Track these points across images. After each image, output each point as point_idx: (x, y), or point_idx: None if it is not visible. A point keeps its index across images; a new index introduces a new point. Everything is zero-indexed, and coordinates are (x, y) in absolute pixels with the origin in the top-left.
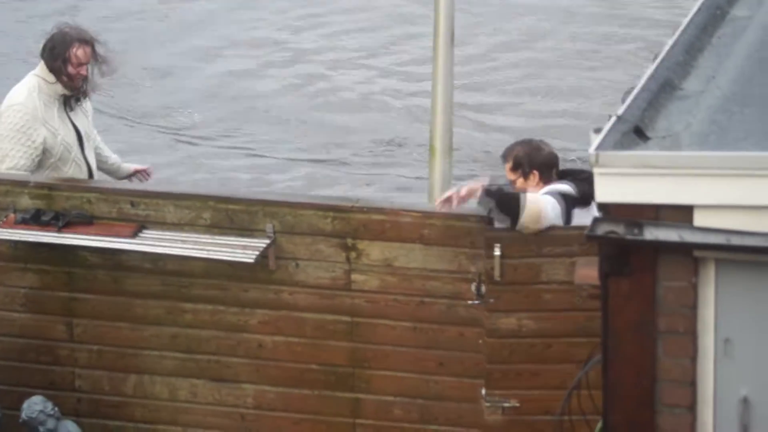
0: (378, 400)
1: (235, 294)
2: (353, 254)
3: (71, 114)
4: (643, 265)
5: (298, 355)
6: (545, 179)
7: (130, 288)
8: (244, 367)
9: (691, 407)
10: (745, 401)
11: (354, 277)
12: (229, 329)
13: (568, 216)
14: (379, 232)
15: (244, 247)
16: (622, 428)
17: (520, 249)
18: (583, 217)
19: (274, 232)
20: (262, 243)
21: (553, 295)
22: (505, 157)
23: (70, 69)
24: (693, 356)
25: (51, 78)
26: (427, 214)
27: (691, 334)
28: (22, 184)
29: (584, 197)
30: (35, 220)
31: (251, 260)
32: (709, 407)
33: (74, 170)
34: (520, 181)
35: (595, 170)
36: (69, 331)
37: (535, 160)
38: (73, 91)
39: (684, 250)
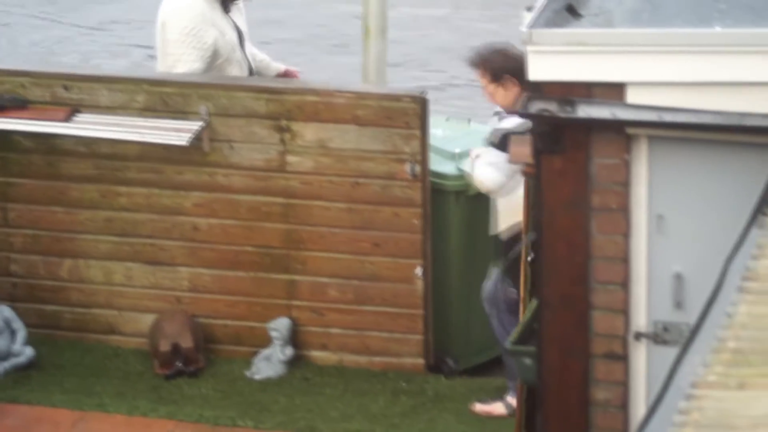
0: (313, 281)
1: (170, 177)
2: (287, 136)
3: (232, 13)
4: (576, 142)
5: (232, 237)
6: (524, 84)
7: (65, 172)
8: (179, 250)
9: (625, 284)
10: (678, 277)
11: (288, 158)
12: (163, 212)
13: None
14: (313, 113)
15: (178, 130)
16: (556, 304)
17: None
18: None
19: (208, 115)
20: (195, 125)
21: None
22: (477, 66)
23: None
24: (626, 233)
25: None
26: (361, 95)
27: (624, 211)
28: None
29: None
30: None
31: (185, 142)
32: (643, 283)
33: (237, 71)
34: (500, 93)
35: (528, 48)
36: (3, 215)
37: (512, 67)
38: None
39: (616, 127)
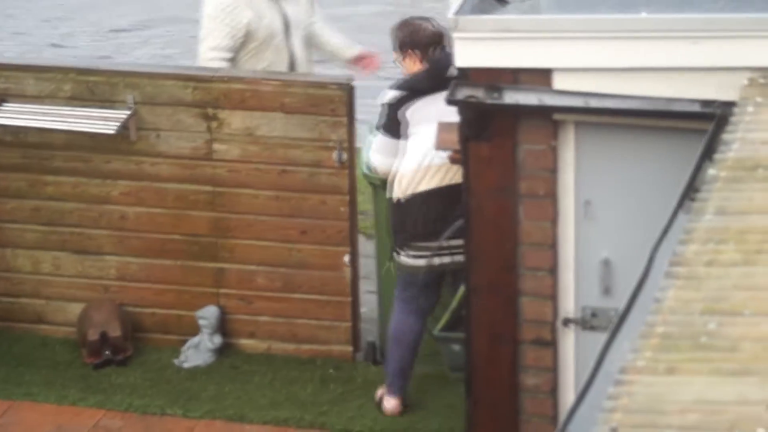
0: (241, 269)
1: (97, 165)
2: (214, 124)
3: (282, 0)
4: (503, 129)
5: (160, 225)
6: (426, 57)
7: None
8: (107, 239)
9: (553, 270)
10: (606, 263)
11: (215, 146)
12: (91, 201)
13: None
14: (240, 101)
15: (105, 119)
16: (484, 291)
17: None
18: (426, 105)
19: (135, 103)
20: (122, 114)
21: None
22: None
23: None
24: (554, 219)
25: None
26: (288, 83)
27: (552, 197)
28: None
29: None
30: None
31: (112, 131)
32: (570, 269)
33: (274, 57)
34: (405, 64)
35: (455, 35)
36: None
37: (415, 40)
38: None
39: (543, 113)
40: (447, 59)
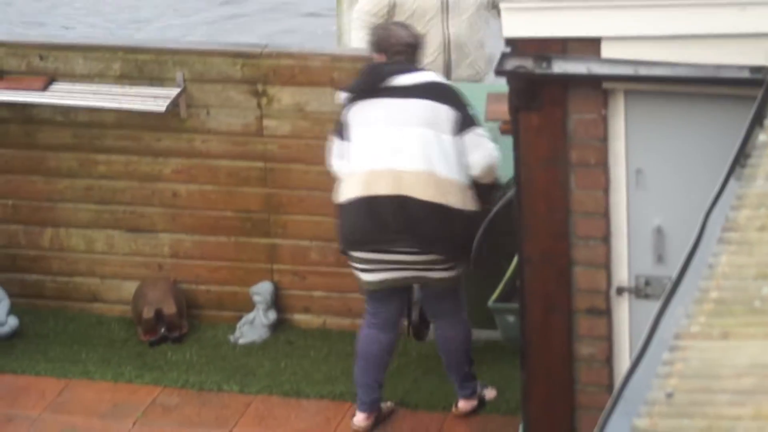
0: (294, 244)
1: (148, 144)
2: (264, 100)
3: None
4: (552, 98)
5: (212, 202)
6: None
7: (42, 141)
8: (160, 217)
9: (605, 238)
10: (658, 231)
11: (266, 122)
12: (143, 179)
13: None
14: (289, 76)
15: (155, 97)
16: (537, 261)
17: None
18: (364, 109)
19: (184, 81)
20: (172, 92)
21: None
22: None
23: None
24: (605, 188)
25: None
26: (336, 57)
27: (603, 166)
28: None
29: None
30: None
31: (162, 109)
32: (623, 238)
33: (429, 42)
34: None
35: (502, 5)
36: None
37: (383, 46)
38: None
39: (593, 82)
40: (388, 69)
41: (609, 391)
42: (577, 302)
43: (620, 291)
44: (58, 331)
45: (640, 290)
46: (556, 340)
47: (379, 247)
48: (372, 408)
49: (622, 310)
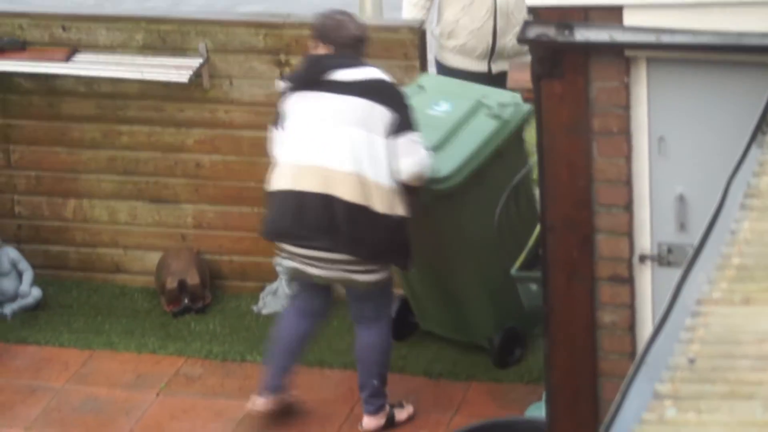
0: None
1: (171, 114)
2: (287, 70)
3: None
4: (575, 66)
5: (235, 173)
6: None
7: (66, 112)
8: (183, 187)
9: (628, 206)
10: (681, 198)
11: None
12: (166, 150)
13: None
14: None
15: (178, 67)
16: (560, 228)
17: None
18: (299, 101)
19: (207, 51)
20: (195, 62)
21: None
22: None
23: None
24: (628, 156)
25: None
26: None
27: (625, 133)
28: None
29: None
30: None
31: (185, 80)
32: (646, 205)
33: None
34: (316, 51)
35: None
36: (6, 157)
37: (330, 37)
38: None
39: (615, 50)
40: (330, 61)
41: (631, 359)
42: (600, 270)
43: (643, 259)
44: (81, 302)
45: (663, 258)
46: (579, 308)
47: (299, 242)
48: (275, 392)
49: (645, 277)
